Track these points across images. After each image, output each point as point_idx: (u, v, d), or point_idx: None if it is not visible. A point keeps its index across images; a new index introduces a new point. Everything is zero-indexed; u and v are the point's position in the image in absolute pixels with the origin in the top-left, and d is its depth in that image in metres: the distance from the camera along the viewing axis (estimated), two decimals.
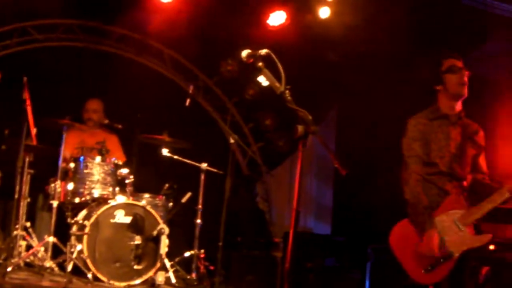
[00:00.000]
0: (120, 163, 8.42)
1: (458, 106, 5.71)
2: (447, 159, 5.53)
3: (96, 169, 8.14)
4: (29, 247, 7.87)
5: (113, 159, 8.30)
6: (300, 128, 4.13)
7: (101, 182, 8.13)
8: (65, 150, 8.22)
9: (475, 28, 9.70)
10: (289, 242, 4.01)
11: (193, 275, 8.51)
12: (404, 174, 5.66)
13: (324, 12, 10.05)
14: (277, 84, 4.23)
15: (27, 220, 7.99)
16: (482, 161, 5.75)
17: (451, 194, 5.44)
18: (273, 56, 4.29)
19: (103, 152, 8.24)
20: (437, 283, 5.30)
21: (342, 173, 4.21)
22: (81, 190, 8.07)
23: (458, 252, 5.20)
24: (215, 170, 8.99)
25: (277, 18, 10.09)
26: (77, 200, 8.07)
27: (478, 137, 5.74)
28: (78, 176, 8.09)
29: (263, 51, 4.34)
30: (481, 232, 5.30)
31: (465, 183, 5.57)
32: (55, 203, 7.76)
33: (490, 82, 9.01)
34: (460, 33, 9.48)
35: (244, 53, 4.37)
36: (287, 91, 4.21)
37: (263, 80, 4.31)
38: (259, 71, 4.31)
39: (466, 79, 5.64)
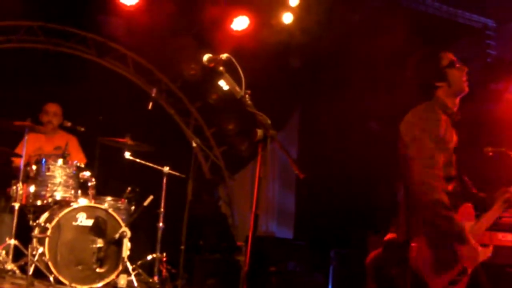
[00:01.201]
0: (82, 165, 8.38)
1: (457, 103, 5.28)
2: (453, 159, 5.16)
3: (58, 171, 8.08)
4: None
5: (75, 162, 8.26)
6: (259, 132, 4.17)
7: (63, 184, 8.07)
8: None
9: (436, 36, 9.80)
10: (248, 245, 4.01)
11: (155, 278, 8.49)
12: (423, 173, 4.86)
13: (287, 18, 10.13)
14: (237, 89, 4.26)
15: None
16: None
17: (463, 203, 5.08)
18: (234, 60, 4.33)
19: (65, 155, 8.20)
20: None
21: (300, 177, 4.21)
22: (43, 192, 7.99)
23: (471, 267, 4.91)
24: (177, 174, 8.99)
25: (240, 23, 10.16)
26: (39, 202, 7.99)
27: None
28: (40, 178, 8.02)
29: (224, 56, 4.36)
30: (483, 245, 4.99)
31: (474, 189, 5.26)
32: (16, 205, 7.71)
33: None
34: (422, 41, 9.57)
35: (205, 57, 4.38)
36: (247, 95, 4.25)
37: (223, 84, 4.31)
38: (220, 75, 4.34)
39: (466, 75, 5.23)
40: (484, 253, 4.98)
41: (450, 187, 5.08)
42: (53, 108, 9.25)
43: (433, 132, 4.95)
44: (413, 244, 4.91)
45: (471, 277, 4.96)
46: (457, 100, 5.25)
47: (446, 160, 5.05)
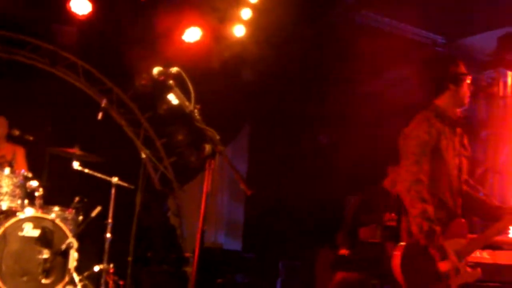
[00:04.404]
0: (30, 175, 8.29)
1: (458, 113, 5.30)
2: (456, 172, 5.13)
3: (5, 181, 7.95)
4: None
5: (22, 171, 8.16)
6: (207, 147, 4.18)
7: (9, 194, 7.96)
8: None
9: (387, 51, 9.90)
10: (194, 261, 4.01)
11: None
12: (403, 181, 4.93)
13: (239, 31, 10.17)
14: (187, 103, 4.27)
15: None
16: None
17: (455, 219, 5.03)
18: (184, 75, 4.33)
19: (12, 164, 8.10)
20: None
21: (247, 193, 4.22)
22: None
23: (455, 285, 4.83)
24: (125, 184, 8.93)
25: (192, 34, 10.17)
26: None
27: (466, 140, 5.36)
28: None
29: (174, 69, 4.35)
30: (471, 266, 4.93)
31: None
32: None
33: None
34: (373, 56, 9.66)
35: (155, 70, 4.37)
36: (196, 110, 4.25)
37: (173, 98, 4.31)
38: (169, 89, 4.34)
39: None
40: (471, 275, 4.92)
41: (450, 202, 5.07)
42: None
43: (421, 139, 4.99)
44: (396, 253, 4.91)
45: None
46: (458, 111, 5.28)
47: (445, 171, 5.07)
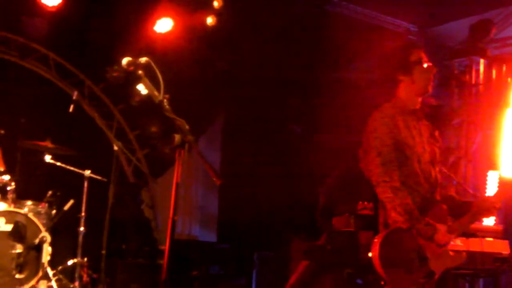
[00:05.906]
0: (2, 169, 8.22)
1: (420, 102, 5.20)
2: (425, 159, 5.08)
3: None
4: None
5: None
6: (177, 137, 4.15)
7: None
8: None
9: (360, 39, 9.91)
10: (166, 251, 3.99)
11: (76, 283, 8.37)
12: (377, 175, 4.90)
13: (211, 20, 10.13)
14: (156, 93, 4.24)
15: None
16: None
17: (435, 204, 5.00)
18: (153, 64, 4.29)
19: None
20: None
21: (217, 183, 4.20)
22: None
23: (439, 272, 4.82)
24: (98, 177, 8.87)
25: (163, 25, 10.10)
26: None
27: (437, 132, 5.30)
28: None
29: (143, 59, 4.31)
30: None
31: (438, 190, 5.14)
32: None
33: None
34: (345, 44, 9.65)
35: (125, 60, 4.33)
36: (165, 100, 4.22)
37: (142, 89, 4.24)
38: (139, 79, 4.30)
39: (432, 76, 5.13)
40: (455, 260, 4.91)
41: (423, 189, 5.02)
42: None
43: (378, 133, 4.94)
44: (375, 240, 4.82)
45: (439, 283, 4.89)
46: (420, 99, 5.18)
47: (414, 160, 5.01)
